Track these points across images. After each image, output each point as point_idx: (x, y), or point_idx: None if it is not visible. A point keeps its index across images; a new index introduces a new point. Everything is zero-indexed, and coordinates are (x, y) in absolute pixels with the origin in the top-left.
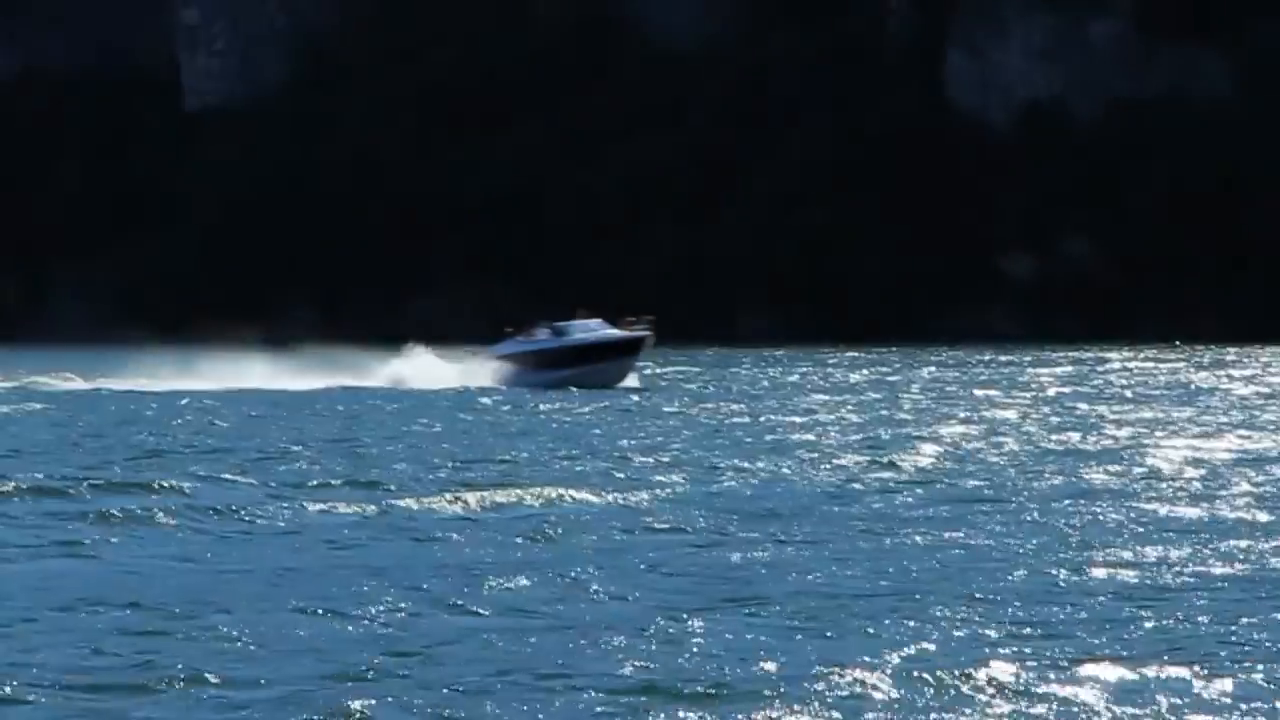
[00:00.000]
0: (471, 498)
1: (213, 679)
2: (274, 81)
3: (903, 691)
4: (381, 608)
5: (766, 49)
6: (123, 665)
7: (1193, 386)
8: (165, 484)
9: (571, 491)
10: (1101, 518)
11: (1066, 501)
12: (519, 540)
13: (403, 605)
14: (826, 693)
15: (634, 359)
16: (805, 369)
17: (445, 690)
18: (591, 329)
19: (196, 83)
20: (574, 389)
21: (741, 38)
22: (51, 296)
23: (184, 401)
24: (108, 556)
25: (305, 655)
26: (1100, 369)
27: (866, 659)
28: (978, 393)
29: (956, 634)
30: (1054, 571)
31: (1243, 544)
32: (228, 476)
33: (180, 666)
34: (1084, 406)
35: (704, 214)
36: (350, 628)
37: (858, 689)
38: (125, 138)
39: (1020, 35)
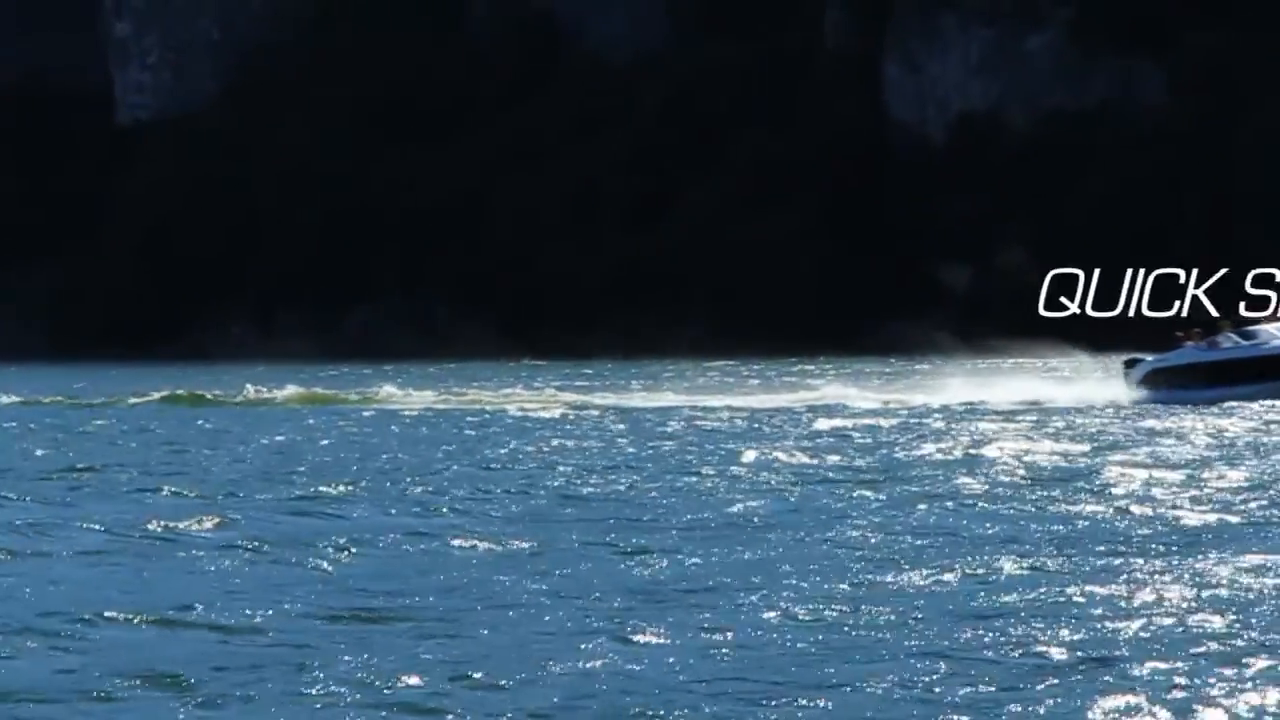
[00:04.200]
0: None
1: None
2: (207, 94)
3: None
4: None
5: (704, 60)
6: None
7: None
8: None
9: None
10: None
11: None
12: None
13: None
14: None
15: None
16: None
17: None
18: None
19: (129, 96)
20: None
21: (679, 48)
22: None
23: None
24: None
25: None
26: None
27: None
28: None
29: None
30: None
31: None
32: None
33: None
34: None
35: (642, 224)
36: None
37: None
38: (58, 152)
39: (957, 48)
